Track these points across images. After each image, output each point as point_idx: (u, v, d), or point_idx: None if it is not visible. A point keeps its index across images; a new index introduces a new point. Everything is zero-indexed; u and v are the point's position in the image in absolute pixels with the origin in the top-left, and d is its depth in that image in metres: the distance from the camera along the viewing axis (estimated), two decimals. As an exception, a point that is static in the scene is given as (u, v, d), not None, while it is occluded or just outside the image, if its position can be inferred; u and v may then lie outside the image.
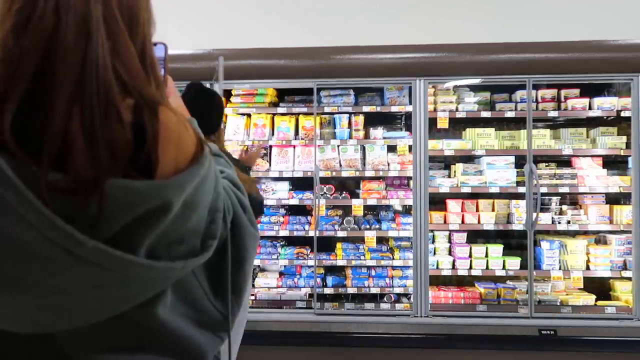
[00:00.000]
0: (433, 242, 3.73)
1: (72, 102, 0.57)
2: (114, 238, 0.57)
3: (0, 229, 0.54)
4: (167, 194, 0.59)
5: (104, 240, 0.56)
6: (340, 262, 3.72)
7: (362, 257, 3.71)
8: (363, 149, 3.84)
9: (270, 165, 3.86)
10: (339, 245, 3.81)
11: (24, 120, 0.57)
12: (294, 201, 3.75)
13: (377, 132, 3.76)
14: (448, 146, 3.65)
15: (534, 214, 3.44)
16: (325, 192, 3.75)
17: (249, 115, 3.92)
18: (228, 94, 3.89)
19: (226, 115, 3.91)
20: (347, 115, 3.80)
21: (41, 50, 0.57)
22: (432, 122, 3.60)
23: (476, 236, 3.85)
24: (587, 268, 3.62)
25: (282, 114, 3.84)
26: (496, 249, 3.67)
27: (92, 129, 0.56)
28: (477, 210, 3.71)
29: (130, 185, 0.57)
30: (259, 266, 3.95)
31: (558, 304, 3.53)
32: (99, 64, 0.58)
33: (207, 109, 2.42)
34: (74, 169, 0.56)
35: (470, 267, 3.64)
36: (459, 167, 3.74)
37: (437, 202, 3.80)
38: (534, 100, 3.65)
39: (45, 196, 0.54)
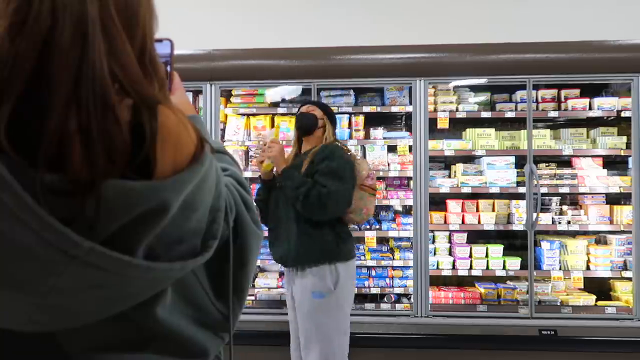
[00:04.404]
0: (433, 242, 3.73)
1: (68, 103, 0.56)
2: (112, 239, 0.57)
3: None
4: (165, 195, 0.59)
5: (101, 241, 0.56)
6: (341, 263, 3.71)
7: (362, 258, 3.70)
8: (363, 149, 3.83)
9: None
10: (339, 245, 3.80)
11: (20, 121, 0.56)
12: (294, 201, 3.74)
13: (378, 132, 3.76)
14: (448, 146, 3.65)
15: (534, 214, 3.44)
16: (325, 193, 3.75)
17: (248, 116, 3.92)
18: (228, 94, 3.89)
19: (226, 116, 3.91)
20: (347, 115, 3.80)
21: (37, 52, 0.57)
22: (433, 122, 3.60)
23: (476, 236, 3.85)
24: (588, 268, 3.63)
25: (283, 114, 3.84)
26: (496, 249, 3.67)
27: (88, 130, 0.56)
28: (478, 210, 3.71)
29: (127, 186, 0.56)
30: (259, 266, 3.94)
31: (558, 304, 3.53)
32: (95, 66, 0.58)
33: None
34: (70, 171, 0.56)
35: (471, 268, 3.64)
36: (459, 167, 3.74)
37: (438, 202, 3.81)
38: (534, 101, 3.65)
39: (41, 198, 0.54)
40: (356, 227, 3.71)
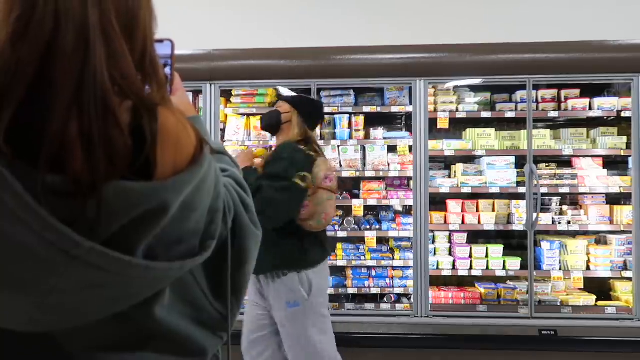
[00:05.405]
0: (433, 242, 3.73)
1: (70, 108, 0.57)
2: (112, 239, 0.57)
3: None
4: (165, 196, 0.59)
5: (102, 241, 0.56)
6: (341, 263, 3.72)
7: (362, 258, 3.71)
8: (363, 149, 3.83)
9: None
10: (339, 245, 3.80)
11: (22, 124, 0.57)
12: (294, 201, 3.73)
13: (378, 133, 3.76)
14: (448, 146, 3.65)
15: (534, 214, 3.44)
16: (325, 193, 3.74)
17: (248, 116, 3.92)
18: (228, 94, 3.89)
19: (226, 116, 3.91)
20: (348, 115, 3.80)
21: (39, 57, 0.57)
22: (433, 122, 3.61)
23: (476, 236, 3.85)
24: (588, 268, 3.63)
25: (282, 114, 3.83)
26: (496, 249, 3.67)
27: (90, 135, 0.57)
28: (478, 210, 3.71)
29: (128, 187, 0.57)
30: (259, 266, 3.94)
31: (558, 304, 3.53)
32: (97, 71, 0.58)
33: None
34: (72, 173, 0.56)
35: (471, 268, 3.64)
36: (459, 168, 3.74)
37: (438, 202, 3.81)
38: (534, 101, 3.65)
39: (42, 198, 0.55)
40: (356, 227, 3.72)
